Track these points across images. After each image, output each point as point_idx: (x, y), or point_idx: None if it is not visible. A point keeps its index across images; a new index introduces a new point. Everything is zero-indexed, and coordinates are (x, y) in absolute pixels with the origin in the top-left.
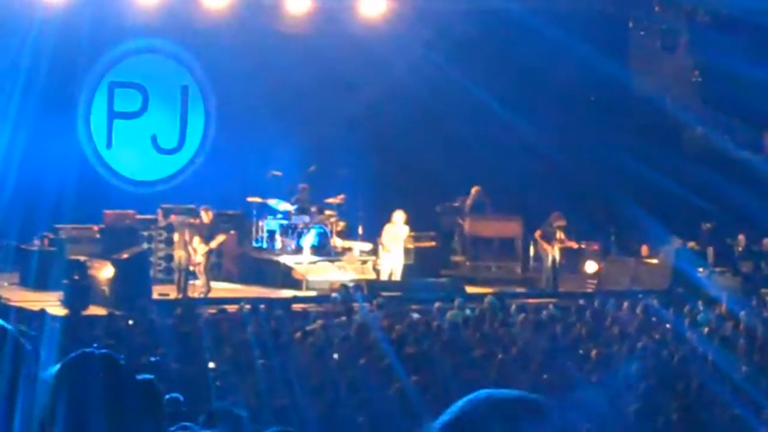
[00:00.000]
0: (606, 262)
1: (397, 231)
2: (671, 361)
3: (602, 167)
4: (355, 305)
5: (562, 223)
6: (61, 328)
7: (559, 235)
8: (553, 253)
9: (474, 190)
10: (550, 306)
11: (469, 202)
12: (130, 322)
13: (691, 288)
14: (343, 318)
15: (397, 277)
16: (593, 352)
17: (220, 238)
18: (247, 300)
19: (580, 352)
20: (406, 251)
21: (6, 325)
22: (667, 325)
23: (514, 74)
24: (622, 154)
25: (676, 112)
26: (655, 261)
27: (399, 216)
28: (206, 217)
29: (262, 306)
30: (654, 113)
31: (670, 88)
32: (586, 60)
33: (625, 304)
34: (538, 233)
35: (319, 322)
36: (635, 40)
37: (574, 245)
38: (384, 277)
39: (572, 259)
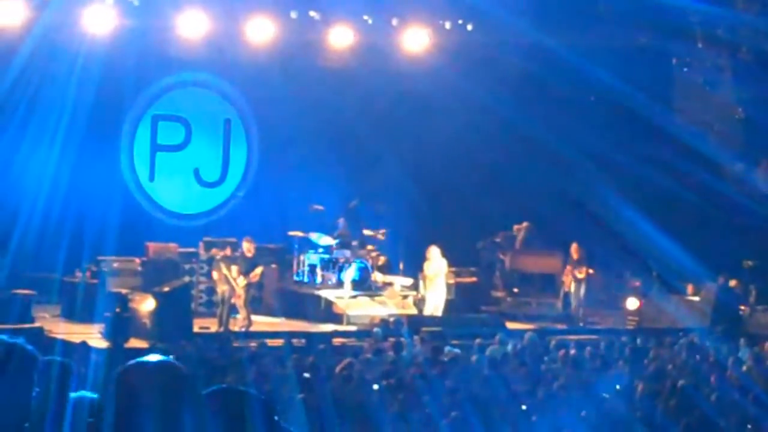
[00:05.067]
0: (647, 299)
1: (435, 266)
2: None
3: (644, 203)
4: (403, 340)
5: (580, 254)
6: (103, 361)
7: (581, 266)
8: (581, 283)
9: (525, 225)
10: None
11: (523, 236)
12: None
13: (733, 326)
14: (391, 353)
15: (439, 312)
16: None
17: (259, 270)
18: (288, 334)
19: (617, 387)
20: (447, 287)
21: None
22: (709, 362)
23: (556, 109)
24: (664, 190)
25: (719, 148)
26: (696, 298)
27: (435, 251)
28: (248, 249)
29: (303, 340)
30: (697, 149)
31: (712, 124)
32: (629, 95)
33: (667, 340)
34: (568, 268)
35: (363, 356)
36: (678, 76)
37: (591, 271)
38: (427, 312)
39: (613, 295)
